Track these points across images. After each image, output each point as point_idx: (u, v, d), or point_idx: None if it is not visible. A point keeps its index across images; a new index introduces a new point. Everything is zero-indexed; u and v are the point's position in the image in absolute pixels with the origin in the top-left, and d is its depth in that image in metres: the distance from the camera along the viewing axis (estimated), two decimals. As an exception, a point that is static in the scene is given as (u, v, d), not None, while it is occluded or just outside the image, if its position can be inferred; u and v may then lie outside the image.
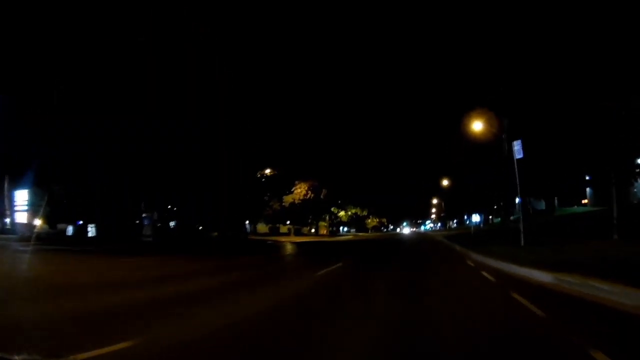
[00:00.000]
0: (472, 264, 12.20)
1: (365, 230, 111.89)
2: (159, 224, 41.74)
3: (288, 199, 52.04)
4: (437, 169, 74.87)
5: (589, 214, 31.98)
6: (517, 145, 14.51)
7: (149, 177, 37.26)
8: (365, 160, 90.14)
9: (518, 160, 14.61)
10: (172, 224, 45.90)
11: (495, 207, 74.21)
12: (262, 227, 68.94)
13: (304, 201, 52.95)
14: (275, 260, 16.61)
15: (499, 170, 42.18)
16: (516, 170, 14.95)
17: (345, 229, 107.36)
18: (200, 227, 51.81)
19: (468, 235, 26.23)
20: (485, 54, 36.89)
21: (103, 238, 34.93)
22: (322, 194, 54.60)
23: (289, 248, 24.64)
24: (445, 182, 76.14)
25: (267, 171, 47.88)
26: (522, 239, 14.27)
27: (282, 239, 46.00)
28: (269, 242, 38.65)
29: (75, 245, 24.73)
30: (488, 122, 33.01)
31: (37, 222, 38.73)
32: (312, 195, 52.89)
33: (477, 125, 33.34)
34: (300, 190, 52.01)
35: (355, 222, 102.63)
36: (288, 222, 72.59)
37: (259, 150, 45.40)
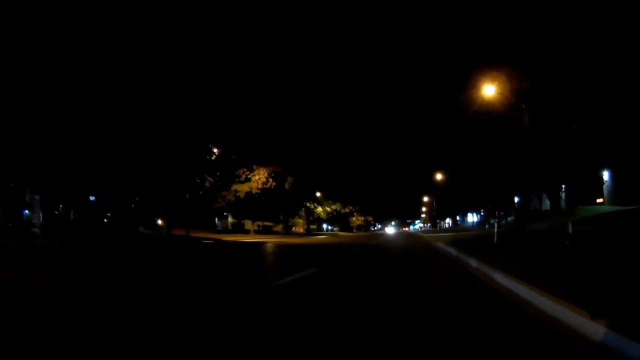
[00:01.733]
0: None
1: (350, 229, 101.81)
2: (56, 212, 30.46)
3: (243, 188, 40.90)
4: (429, 162, 65.19)
5: (623, 213, 23.68)
6: None
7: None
8: (346, 148, 79.35)
9: None
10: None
11: (490, 206, 64.34)
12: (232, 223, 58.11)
13: (264, 191, 41.91)
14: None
15: (509, 154, 33.70)
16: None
17: (329, 227, 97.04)
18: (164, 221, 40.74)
19: (485, 242, 15.56)
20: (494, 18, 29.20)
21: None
22: (287, 182, 43.55)
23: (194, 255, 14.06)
24: (439, 177, 66.12)
25: (215, 150, 36.72)
26: None
27: (234, 238, 34.94)
28: (208, 241, 27.85)
29: None
30: (502, 89, 23.64)
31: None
32: (274, 184, 41.82)
33: (488, 90, 23.48)
34: (258, 177, 40.93)
35: (338, 220, 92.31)
36: (279, 218, 61.50)
37: (202, 123, 34.35)
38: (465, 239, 20.65)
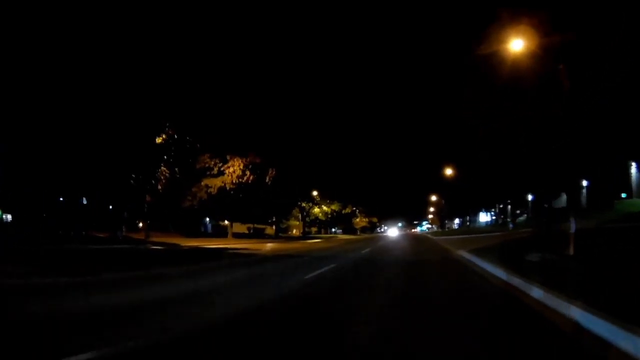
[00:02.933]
0: None
1: (354, 231, 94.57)
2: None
3: (215, 183, 33.98)
4: (437, 158, 58.12)
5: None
6: None
7: None
8: (348, 145, 72.31)
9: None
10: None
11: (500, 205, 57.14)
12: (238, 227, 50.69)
13: (241, 187, 35.01)
14: None
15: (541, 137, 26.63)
16: None
17: (332, 229, 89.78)
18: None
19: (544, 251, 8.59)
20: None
21: None
22: (269, 175, 36.48)
23: None
24: (449, 172, 58.59)
25: (171, 133, 29.73)
26: None
27: (198, 243, 27.85)
28: (158, 247, 21.03)
29: None
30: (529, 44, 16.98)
31: None
32: (252, 177, 34.86)
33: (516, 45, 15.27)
34: (232, 170, 34.00)
35: (339, 222, 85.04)
36: (271, 220, 54.22)
37: (157, 101, 27.61)
38: (501, 243, 13.60)
